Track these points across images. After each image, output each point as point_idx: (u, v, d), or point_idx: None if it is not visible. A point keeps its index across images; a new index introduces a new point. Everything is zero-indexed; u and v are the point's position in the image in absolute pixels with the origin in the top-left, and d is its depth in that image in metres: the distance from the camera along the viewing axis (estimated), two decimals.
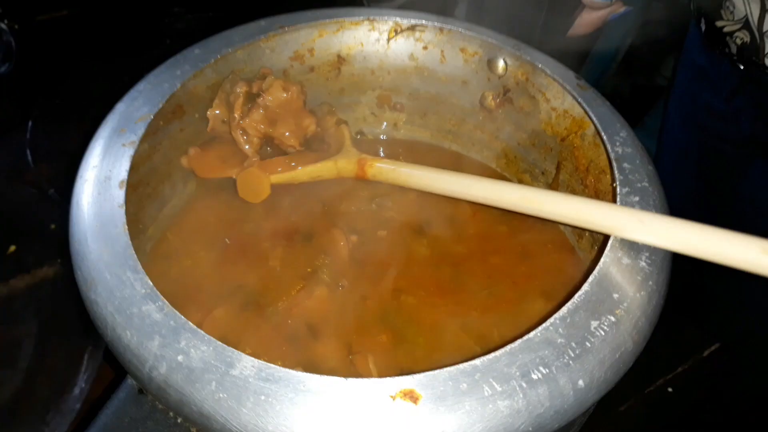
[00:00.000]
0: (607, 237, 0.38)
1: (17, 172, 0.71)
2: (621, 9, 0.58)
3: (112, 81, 0.78)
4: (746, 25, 0.64)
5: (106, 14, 0.87)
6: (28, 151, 0.71)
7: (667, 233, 0.37)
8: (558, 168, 0.54)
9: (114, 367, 0.54)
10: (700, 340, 0.70)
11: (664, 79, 1.86)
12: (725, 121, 0.75)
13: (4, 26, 0.78)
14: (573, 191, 0.53)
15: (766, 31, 0.62)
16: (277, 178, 0.49)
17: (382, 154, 0.62)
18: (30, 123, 0.73)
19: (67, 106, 0.77)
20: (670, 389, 0.66)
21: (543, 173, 0.56)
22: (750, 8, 0.63)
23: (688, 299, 0.68)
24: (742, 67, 0.68)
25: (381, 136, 0.63)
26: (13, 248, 0.64)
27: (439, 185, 0.46)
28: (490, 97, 0.56)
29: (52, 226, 0.65)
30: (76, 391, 0.54)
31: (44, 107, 0.76)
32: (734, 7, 0.64)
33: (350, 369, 0.43)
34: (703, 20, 0.72)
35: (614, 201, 0.41)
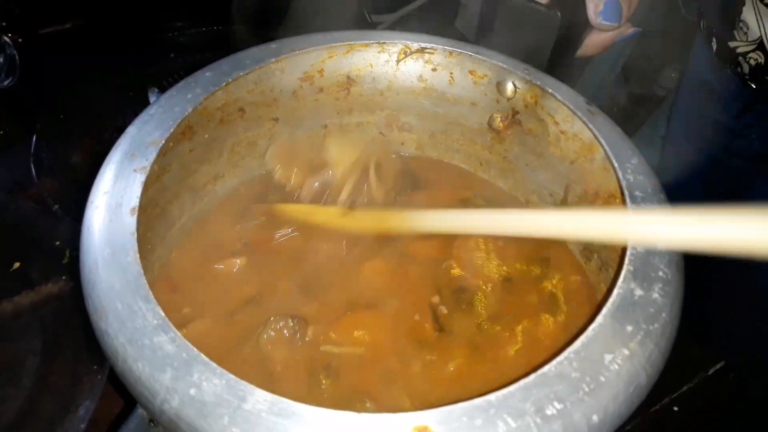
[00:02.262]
0: (619, 269, 0.38)
1: (21, 187, 0.71)
2: (629, 30, 0.58)
3: (117, 95, 0.79)
4: (761, 46, 0.64)
5: (110, 28, 0.87)
6: (31, 166, 0.71)
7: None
8: (566, 190, 0.54)
9: (122, 395, 0.53)
10: (705, 358, 0.70)
11: (662, 89, 1.88)
12: (734, 136, 0.75)
13: (7, 40, 0.78)
14: None
15: None
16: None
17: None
18: (34, 137, 0.73)
19: (71, 120, 0.77)
20: (675, 408, 0.66)
21: (551, 195, 0.56)
22: (765, 29, 0.63)
23: (692, 318, 0.68)
24: (754, 86, 0.68)
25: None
26: (17, 265, 0.64)
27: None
28: (499, 119, 0.56)
29: (57, 243, 0.64)
30: (81, 410, 0.54)
31: (48, 121, 0.76)
32: (748, 28, 0.65)
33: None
34: (714, 40, 0.72)
35: None
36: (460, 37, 0.57)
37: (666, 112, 1.07)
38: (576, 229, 0.39)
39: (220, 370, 0.32)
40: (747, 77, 0.69)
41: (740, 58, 0.68)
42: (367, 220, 0.51)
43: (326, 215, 0.52)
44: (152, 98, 0.64)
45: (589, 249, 0.53)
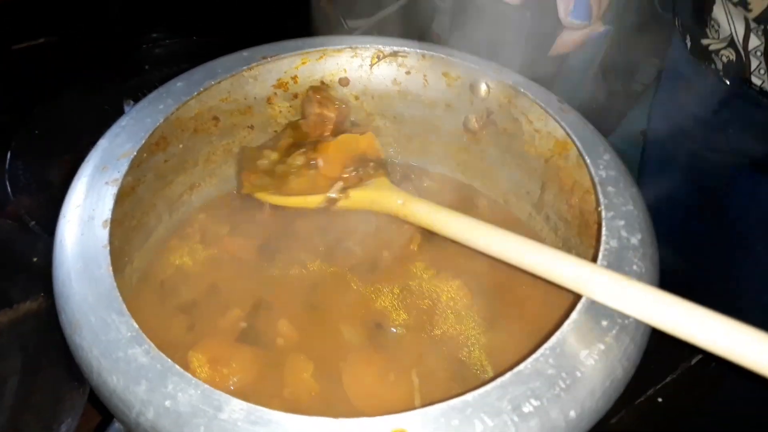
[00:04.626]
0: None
1: None
2: (600, 29, 0.58)
3: (92, 110, 0.78)
4: (731, 43, 0.65)
5: (84, 42, 0.86)
6: (7, 183, 0.71)
7: (647, 307, 0.36)
8: (543, 188, 0.54)
9: (100, 411, 0.53)
10: (687, 349, 0.71)
11: (640, 85, 1.90)
12: (713, 131, 0.76)
13: None
14: (558, 211, 0.53)
15: (751, 50, 0.63)
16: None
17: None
18: (9, 154, 0.73)
19: (46, 137, 0.77)
20: (660, 399, 0.67)
21: (528, 193, 0.57)
22: (734, 27, 0.63)
23: None
24: (728, 83, 0.69)
25: None
26: None
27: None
28: (474, 120, 0.56)
29: (35, 260, 0.64)
30: (63, 428, 0.53)
31: (23, 138, 0.75)
32: (719, 26, 0.65)
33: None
34: (688, 37, 0.73)
35: (599, 225, 0.41)
36: (437, 41, 0.57)
37: (643, 106, 1.08)
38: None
39: (195, 380, 0.32)
40: (721, 73, 0.70)
41: (713, 55, 0.69)
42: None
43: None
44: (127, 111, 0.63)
45: (567, 245, 0.54)
